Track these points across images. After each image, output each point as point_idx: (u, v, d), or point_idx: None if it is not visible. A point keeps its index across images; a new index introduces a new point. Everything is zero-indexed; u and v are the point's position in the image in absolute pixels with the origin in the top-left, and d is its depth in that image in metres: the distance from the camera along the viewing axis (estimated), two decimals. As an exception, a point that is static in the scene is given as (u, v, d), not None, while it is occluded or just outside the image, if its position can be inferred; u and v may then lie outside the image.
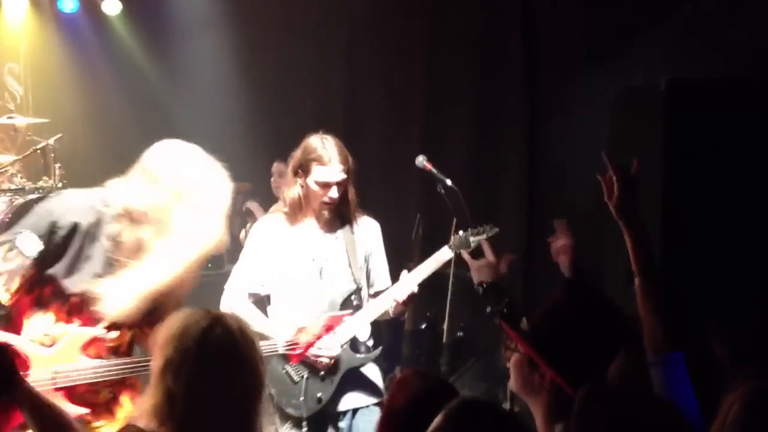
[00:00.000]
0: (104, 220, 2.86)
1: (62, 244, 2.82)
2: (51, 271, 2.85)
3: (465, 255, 2.71)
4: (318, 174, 3.40)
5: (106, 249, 2.87)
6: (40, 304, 2.89)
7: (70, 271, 2.85)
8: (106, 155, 7.15)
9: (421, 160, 4.09)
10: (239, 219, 6.93)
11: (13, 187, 5.91)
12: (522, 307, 2.33)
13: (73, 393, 2.88)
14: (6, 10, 7.46)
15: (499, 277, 2.50)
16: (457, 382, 5.18)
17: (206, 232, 2.87)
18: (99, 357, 2.92)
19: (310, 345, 3.26)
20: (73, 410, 2.85)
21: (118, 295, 2.86)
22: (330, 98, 6.85)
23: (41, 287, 2.88)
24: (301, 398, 3.37)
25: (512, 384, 2.12)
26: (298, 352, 3.26)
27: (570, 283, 2.27)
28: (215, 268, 6.36)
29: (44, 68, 7.63)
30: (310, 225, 3.55)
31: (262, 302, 3.61)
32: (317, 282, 3.52)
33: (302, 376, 3.40)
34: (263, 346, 3.09)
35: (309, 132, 3.50)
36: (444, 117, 6.26)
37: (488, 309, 2.44)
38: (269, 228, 3.58)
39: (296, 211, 3.51)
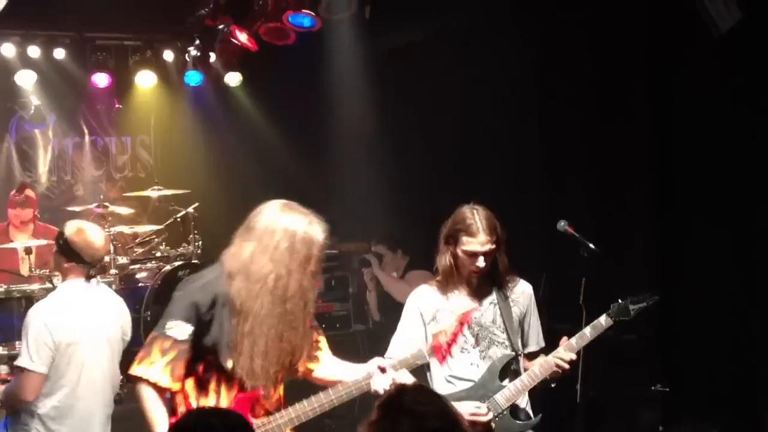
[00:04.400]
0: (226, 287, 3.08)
1: (208, 320, 3.07)
2: (203, 345, 3.08)
3: None
4: (465, 244, 3.51)
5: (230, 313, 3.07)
6: (199, 382, 3.12)
7: (218, 341, 3.07)
8: (239, 220, 7.49)
9: (563, 225, 4.15)
10: (355, 277, 7.12)
11: (158, 254, 6.26)
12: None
13: None
14: (137, 86, 7.96)
15: None
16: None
17: (300, 281, 3.03)
18: (267, 414, 3.15)
19: (452, 342, 3.29)
20: None
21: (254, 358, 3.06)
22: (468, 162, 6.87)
23: (196, 366, 3.12)
24: (464, 462, 3.43)
25: None
26: (443, 353, 3.30)
27: None
28: (343, 327, 6.58)
29: (173, 139, 8.10)
30: (462, 292, 3.64)
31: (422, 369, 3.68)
32: (474, 349, 3.60)
33: (464, 441, 3.47)
34: (409, 358, 3.27)
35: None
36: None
37: None
38: (422, 295, 3.69)
39: (448, 278, 3.61)
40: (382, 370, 3.17)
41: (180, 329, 3.05)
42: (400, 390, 2.23)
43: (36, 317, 3.90)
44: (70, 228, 4.03)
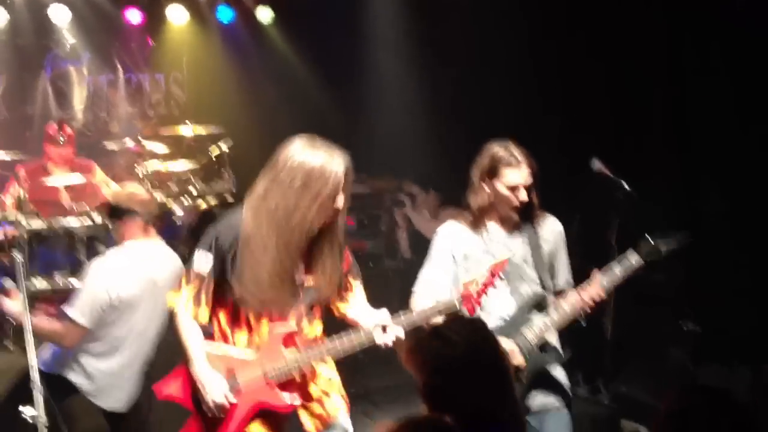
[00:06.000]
0: None
1: (231, 256, 3.15)
2: (228, 280, 3.18)
3: None
4: (508, 177, 3.50)
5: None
6: (232, 314, 3.24)
7: (242, 275, 3.16)
8: (269, 157, 7.52)
9: (597, 164, 4.15)
10: (386, 214, 7.17)
11: (194, 192, 6.34)
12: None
13: (286, 386, 3.23)
14: (170, 23, 7.96)
15: None
16: (624, 380, 5.23)
17: (327, 212, 3.07)
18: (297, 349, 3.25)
19: (482, 293, 3.31)
20: (289, 400, 3.21)
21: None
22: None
23: (227, 299, 3.23)
24: (493, 397, 3.51)
25: None
26: (473, 303, 3.31)
27: None
28: (375, 265, 6.65)
29: (205, 76, 8.10)
30: (494, 229, 3.63)
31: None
32: (503, 285, 3.62)
33: (494, 376, 3.54)
34: (439, 306, 3.30)
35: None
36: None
37: None
38: (453, 233, 3.69)
39: (483, 215, 3.61)
40: (384, 328, 3.20)
41: (202, 263, 3.16)
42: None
43: (97, 276, 3.99)
44: (111, 195, 4.27)
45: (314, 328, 3.32)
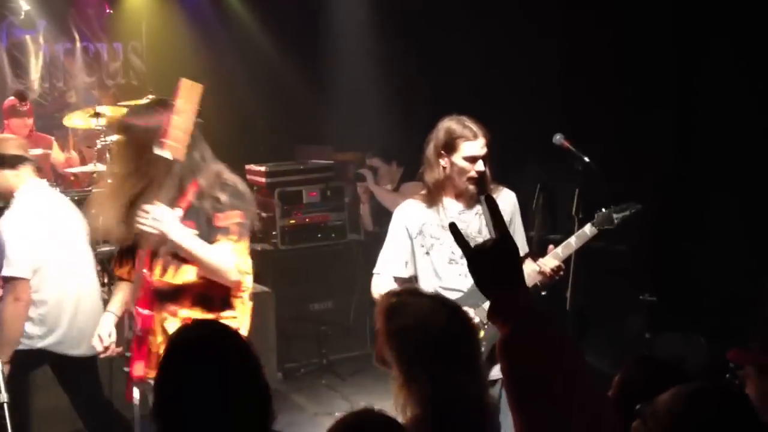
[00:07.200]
0: None
1: None
2: None
3: None
4: (466, 149, 3.53)
5: None
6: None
7: None
8: (230, 129, 7.45)
9: (558, 138, 4.17)
10: (350, 186, 7.15)
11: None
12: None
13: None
14: (128, -10, 7.80)
15: None
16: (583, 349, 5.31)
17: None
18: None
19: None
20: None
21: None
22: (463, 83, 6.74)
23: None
24: (454, 368, 3.54)
25: None
26: None
27: None
28: (339, 237, 6.64)
29: (165, 45, 7.96)
30: (450, 204, 3.65)
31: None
32: (462, 260, 3.64)
33: (455, 348, 3.58)
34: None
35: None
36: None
37: None
38: (408, 210, 3.70)
39: (439, 191, 3.63)
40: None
41: None
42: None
43: (13, 226, 3.91)
44: None
45: (176, 273, 3.23)
